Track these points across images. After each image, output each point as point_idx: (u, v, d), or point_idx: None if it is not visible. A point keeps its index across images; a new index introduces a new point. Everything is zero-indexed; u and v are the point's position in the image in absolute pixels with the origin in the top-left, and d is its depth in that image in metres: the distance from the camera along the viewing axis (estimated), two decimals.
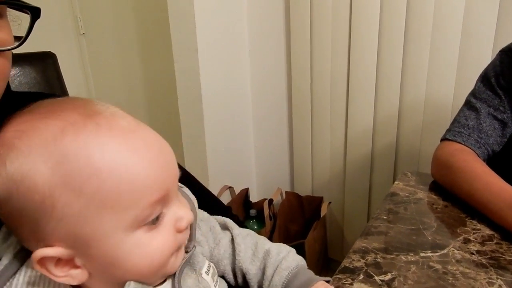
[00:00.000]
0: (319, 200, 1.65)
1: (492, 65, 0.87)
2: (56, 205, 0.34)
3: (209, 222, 0.50)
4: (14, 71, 0.69)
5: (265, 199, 1.62)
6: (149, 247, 0.37)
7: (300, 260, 0.50)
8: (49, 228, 0.35)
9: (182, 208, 0.40)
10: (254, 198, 1.79)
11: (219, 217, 0.53)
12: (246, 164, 1.79)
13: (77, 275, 0.37)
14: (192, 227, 0.44)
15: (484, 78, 0.88)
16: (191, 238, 0.44)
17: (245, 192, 1.73)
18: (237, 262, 0.49)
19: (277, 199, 1.67)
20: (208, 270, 0.46)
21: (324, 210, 1.56)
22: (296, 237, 1.62)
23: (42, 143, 0.34)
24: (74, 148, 0.34)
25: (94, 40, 2.13)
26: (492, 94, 0.85)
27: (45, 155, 0.34)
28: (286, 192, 1.68)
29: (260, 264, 0.49)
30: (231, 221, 0.52)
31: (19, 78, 0.71)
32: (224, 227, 0.51)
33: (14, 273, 0.38)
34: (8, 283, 0.38)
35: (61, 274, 0.36)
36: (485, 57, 1.19)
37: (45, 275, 0.36)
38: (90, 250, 0.36)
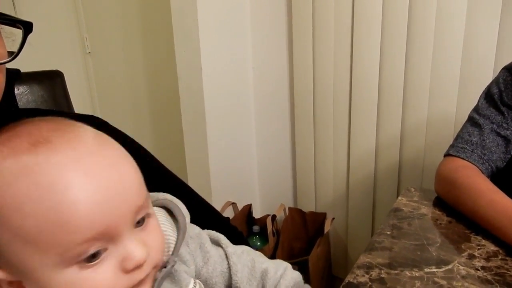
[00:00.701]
0: (323, 216, 1.64)
1: (494, 82, 0.88)
2: None
3: (199, 239, 0.48)
4: (22, 89, 0.70)
5: (268, 215, 1.62)
6: (82, 287, 0.35)
7: (297, 277, 0.50)
8: None
9: (137, 245, 0.36)
10: (257, 214, 1.79)
11: (213, 232, 0.51)
12: (249, 180, 1.79)
13: None
14: (177, 243, 0.43)
15: (487, 95, 0.88)
16: (173, 253, 0.43)
17: (248, 208, 1.73)
18: (234, 283, 0.48)
19: (280, 215, 1.66)
20: (194, 285, 0.44)
21: (327, 227, 1.56)
22: (300, 253, 1.60)
23: None
24: (6, 182, 0.34)
25: (100, 59, 2.17)
26: (495, 111, 0.86)
27: None
28: (289, 208, 1.67)
29: (258, 284, 0.48)
30: (224, 238, 0.50)
31: (27, 96, 0.71)
32: (216, 243, 0.50)
33: None
34: None
35: None
36: (486, 74, 1.20)
37: None
38: (29, 281, 0.35)
